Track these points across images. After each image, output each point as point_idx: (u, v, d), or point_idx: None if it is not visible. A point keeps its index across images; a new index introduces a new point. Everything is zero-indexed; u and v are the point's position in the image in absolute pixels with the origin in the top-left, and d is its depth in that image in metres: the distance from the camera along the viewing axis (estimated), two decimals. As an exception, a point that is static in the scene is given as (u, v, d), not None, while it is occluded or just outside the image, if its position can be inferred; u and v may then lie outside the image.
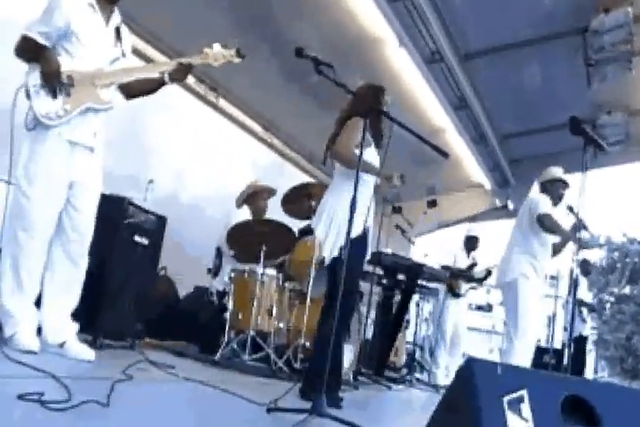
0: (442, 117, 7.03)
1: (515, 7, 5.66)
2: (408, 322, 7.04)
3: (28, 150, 2.59)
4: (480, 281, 6.21)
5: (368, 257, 3.26)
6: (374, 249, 5.10)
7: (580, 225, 3.96)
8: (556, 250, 4.42)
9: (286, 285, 4.59)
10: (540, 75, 6.81)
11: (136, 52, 4.86)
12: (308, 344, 4.03)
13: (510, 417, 1.55)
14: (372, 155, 3.06)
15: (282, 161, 7.75)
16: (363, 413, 3.19)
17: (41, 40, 2.57)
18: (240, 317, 4.15)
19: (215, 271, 4.85)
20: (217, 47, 2.79)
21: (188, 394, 2.56)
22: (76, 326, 2.76)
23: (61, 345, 2.65)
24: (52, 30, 2.58)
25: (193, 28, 5.12)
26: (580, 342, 7.25)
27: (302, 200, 4.57)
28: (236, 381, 3.30)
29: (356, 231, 2.81)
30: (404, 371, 6.40)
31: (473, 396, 1.55)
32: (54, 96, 2.57)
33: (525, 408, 1.57)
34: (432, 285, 6.10)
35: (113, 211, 3.30)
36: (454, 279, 6.08)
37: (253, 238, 4.09)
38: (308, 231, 4.41)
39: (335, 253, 2.95)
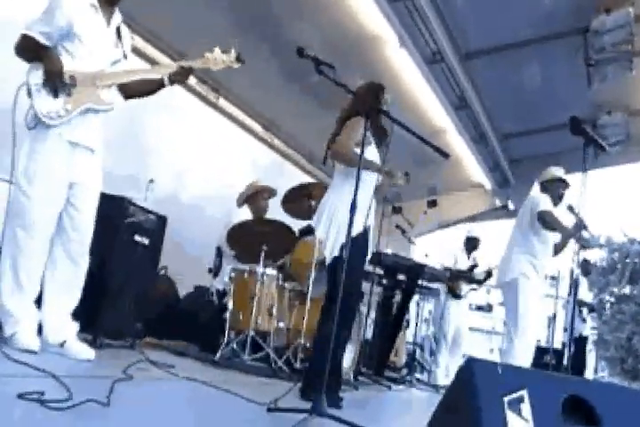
0: (442, 117, 7.02)
1: (515, 7, 5.66)
2: (408, 322, 7.04)
3: (28, 149, 2.59)
4: (480, 282, 6.21)
5: (369, 256, 3.25)
6: (374, 249, 5.09)
7: (580, 225, 3.96)
8: (558, 249, 4.42)
9: (286, 285, 4.59)
10: (540, 75, 6.81)
11: (136, 51, 4.87)
12: (307, 344, 4.03)
13: (510, 417, 1.55)
14: (372, 153, 3.06)
15: (282, 161, 7.75)
16: (363, 413, 3.19)
17: (42, 40, 2.57)
18: (240, 316, 4.15)
19: (215, 271, 4.86)
20: (217, 51, 2.81)
21: (187, 394, 2.56)
22: (76, 326, 2.76)
23: (62, 344, 2.65)
24: (54, 30, 2.58)
25: (193, 27, 5.13)
26: (580, 342, 7.25)
27: (302, 200, 4.57)
28: (236, 380, 3.30)
29: (357, 230, 2.80)
30: (405, 371, 6.40)
31: (473, 396, 1.55)
32: (55, 96, 2.57)
33: (526, 408, 1.57)
34: (432, 285, 6.10)
35: (113, 210, 3.30)
36: (455, 281, 6.08)
37: (254, 238, 4.09)
38: (308, 231, 4.41)
39: (336, 253, 2.95)
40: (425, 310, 7.00)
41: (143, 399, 2.20)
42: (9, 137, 2.55)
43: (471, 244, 6.34)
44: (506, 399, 1.57)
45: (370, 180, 3.01)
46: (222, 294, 4.63)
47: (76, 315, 2.78)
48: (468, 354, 6.29)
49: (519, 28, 6.08)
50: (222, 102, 6.40)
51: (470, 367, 1.61)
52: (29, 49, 2.58)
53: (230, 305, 4.19)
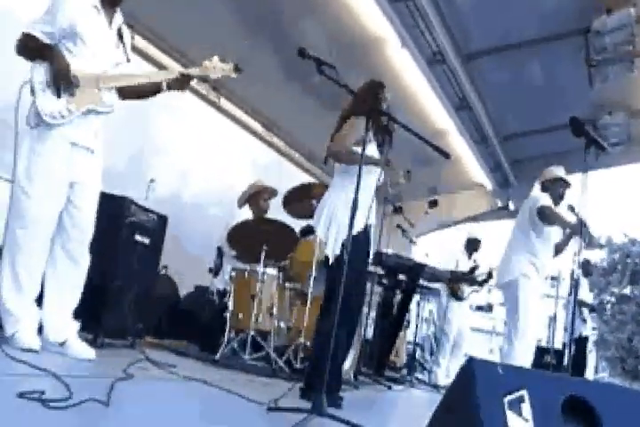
0: (443, 118, 7.03)
1: (516, 8, 5.66)
2: (408, 322, 7.05)
3: (29, 149, 2.59)
4: (482, 284, 6.21)
5: (371, 255, 3.24)
6: (375, 249, 5.10)
7: (581, 225, 3.95)
8: (559, 249, 4.41)
9: (287, 284, 4.59)
10: (541, 75, 6.81)
11: (138, 51, 4.87)
12: (308, 344, 4.03)
13: (511, 417, 1.55)
14: (373, 152, 3.04)
15: (283, 161, 7.76)
16: (363, 413, 3.19)
17: (46, 40, 2.57)
18: (240, 316, 4.15)
19: (216, 271, 4.86)
20: (215, 60, 2.83)
21: (188, 393, 2.56)
22: (77, 325, 2.77)
23: (62, 344, 2.66)
24: (56, 31, 2.58)
25: (196, 27, 5.13)
26: (580, 342, 7.25)
27: (303, 200, 4.57)
28: (237, 380, 3.30)
29: (358, 228, 2.79)
30: (405, 371, 6.41)
31: (473, 396, 1.55)
32: (59, 95, 2.58)
33: (526, 408, 1.57)
34: (433, 285, 6.10)
35: (114, 210, 3.31)
36: (456, 283, 6.08)
37: (254, 238, 4.09)
38: (309, 231, 4.42)
39: (337, 251, 2.94)
40: (425, 310, 7.01)
41: (143, 399, 2.20)
42: (8, 135, 2.55)
43: (472, 245, 6.33)
44: (506, 400, 1.57)
45: (370, 179, 3.00)
46: (223, 294, 4.64)
47: (77, 314, 2.78)
48: (468, 354, 6.30)
49: (520, 29, 6.07)
50: (223, 102, 6.40)
51: (471, 367, 1.61)
52: (33, 48, 2.58)
53: (231, 305, 4.19)
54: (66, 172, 2.64)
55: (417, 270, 5.52)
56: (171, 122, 5.76)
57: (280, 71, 5.92)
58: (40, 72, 2.57)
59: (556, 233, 4.38)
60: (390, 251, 5.62)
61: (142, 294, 3.63)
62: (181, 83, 2.86)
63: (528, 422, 1.56)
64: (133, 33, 4.82)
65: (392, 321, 5.85)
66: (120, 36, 2.83)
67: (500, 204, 9.28)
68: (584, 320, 7.46)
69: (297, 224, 4.58)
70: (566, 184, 4.40)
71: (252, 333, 3.98)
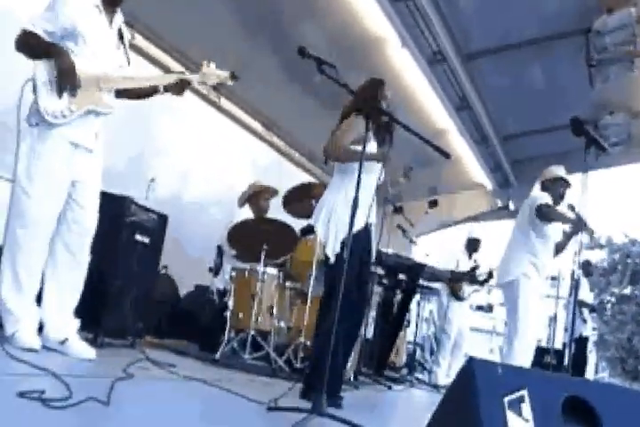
0: (444, 118, 7.03)
1: (517, 7, 5.66)
2: (409, 322, 7.04)
3: (29, 148, 2.59)
4: (482, 283, 6.21)
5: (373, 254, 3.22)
6: (376, 249, 5.09)
7: (581, 224, 3.95)
8: (559, 248, 4.40)
9: (287, 284, 4.59)
10: (542, 75, 6.81)
11: (138, 50, 4.87)
12: (308, 343, 4.03)
13: (511, 417, 1.55)
14: (371, 150, 3.03)
15: (283, 160, 7.76)
16: (363, 412, 3.19)
17: (47, 38, 2.56)
18: (240, 316, 4.16)
19: (216, 270, 4.86)
20: (213, 67, 2.87)
21: (188, 393, 2.56)
22: (77, 323, 2.77)
23: (63, 342, 2.65)
24: (57, 30, 2.58)
25: (196, 27, 5.13)
26: (580, 342, 7.25)
27: (303, 200, 4.58)
28: (237, 380, 3.30)
29: (358, 226, 2.77)
30: (405, 371, 6.40)
31: (473, 396, 1.55)
32: (60, 95, 2.57)
33: (526, 409, 1.57)
34: (433, 285, 6.10)
35: (115, 209, 3.31)
36: (457, 283, 6.08)
37: (254, 237, 4.09)
38: (309, 231, 4.41)
39: (337, 249, 2.94)
40: (425, 309, 7.01)
41: (143, 398, 2.20)
42: (8, 138, 2.55)
43: (472, 245, 6.34)
44: (506, 400, 1.56)
45: (371, 178, 2.99)
46: (223, 294, 4.64)
47: (77, 313, 2.78)
48: (468, 354, 6.30)
49: (521, 29, 6.07)
50: (224, 102, 6.40)
51: (471, 367, 1.61)
52: (34, 46, 2.56)
53: (231, 304, 4.19)
54: (66, 171, 2.64)
55: (417, 270, 5.52)
56: (171, 122, 5.76)
57: (280, 71, 5.92)
58: (43, 70, 2.56)
59: (556, 233, 4.37)
60: (390, 251, 5.62)
61: (142, 294, 3.63)
62: (179, 88, 2.88)
63: (528, 423, 1.56)
64: (133, 32, 4.84)
65: (392, 321, 5.86)
66: (120, 37, 2.83)
67: (500, 204, 9.28)
68: (584, 320, 7.47)
69: (297, 224, 4.58)
70: (567, 184, 4.39)
71: (252, 332, 3.98)
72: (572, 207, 4.21)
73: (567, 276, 5.85)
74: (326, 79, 2.65)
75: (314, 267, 4.14)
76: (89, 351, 2.67)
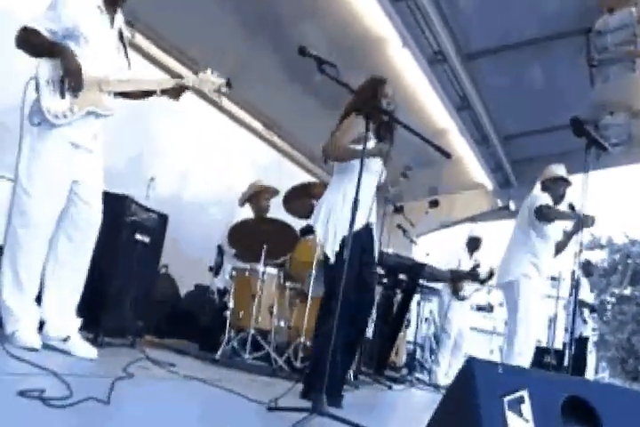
0: (444, 118, 7.02)
1: (517, 7, 5.65)
2: (409, 321, 7.04)
3: (30, 148, 2.58)
4: (483, 282, 6.22)
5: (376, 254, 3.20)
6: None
7: (581, 223, 3.93)
8: (560, 248, 4.40)
9: (287, 283, 4.59)
10: (542, 75, 6.80)
11: (136, 48, 4.87)
12: (308, 343, 4.03)
13: (511, 418, 1.55)
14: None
15: (284, 160, 7.76)
16: (363, 412, 3.19)
17: (50, 37, 2.56)
18: (241, 315, 4.16)
19: (216, 270, 4.86)
20: (209, 73, 2.89)
21: (188, 392, 2.56)
22: (79, 322, 2.77)
23: (65, 340, 2.65)
24: (59, 29, 2.57)
25: (196, 27, 5.13)
26: (580, 342, 7.25)
27: (303, 199, 4.58)
28: (237, 379, 3.31)
29: (358, 225, 2.75)
30: (405, 370, 6.41)
31: (473, 396, 1.55)
32: (63, 95, 2.58)
33: (526, 409, 1.57)
34: (433, 284, 6.10)
35: (115, 209, 3.30)
36: (458, 282, 6.08)
37: (255, 237, 4.09)
38: (309, 230, 4.41)
39: (336, 248, 2.93)
40: (426, 309, 7.00)
41: (143, 398, 2.20)
42: (6, 138, 2.54)
43: (473, 244, 6.35)
44: (506, 400, 1.56)
45: (371, 178, 2.98)
46: (223, 293, 4.64)
47: (78, 313, 2.78)
48: (468, 354, 6.30)
49: (521, 29, 6.07)
50: (225, 102, 6.40)
51: (471, 367, 1.61)
52: (36, 44, 2.55)
53: (231, 304, 4.19)
54: (66, 171, 2.64)
55: (417, 270, 5.52)
56: (171, 121, 5.76)
57: (281, 71, 5.91)
58: (47, 69, 2.56)
59: (556, 232, 4.37)
60: (391, 250, 5.63)
61: (142, 293, 3.63)
62: (176, 93, 2.90)
63: (528, 423, 1.56)
64: (134, 31, 4.84)
65: (392, 321, 5.86)
66: (120, 38, 2.83)
67: (500, 204, 9.28)
68: (585, 321, 7.46)
69: (297, 223, 4.58)
70: (567, 183, 4.39)
71: (252, 332, 3.98)
72: (571, 206, 4.20)
73: (567, 276, 5.85)
74: (327, 79, 2.64)
75: (314, 267, 4.14)
76: (91, 351, 2.67)
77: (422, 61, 5.90)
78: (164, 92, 2.89)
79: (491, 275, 6.02)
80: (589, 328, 7.90)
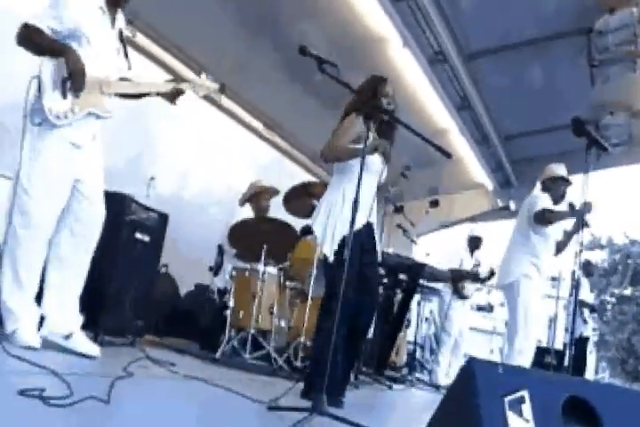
0: (445, 118, 7.02)
1: (518, 7, 5.65)
2: (409, 321, 7.04)
3: (30, 147, 2.58)
4: (484, 281, 6.22)
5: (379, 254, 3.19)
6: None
7: (581, 223, 3.93)
8: (560, 247, 4.39)
9: (287, 283, 4.59)
10: (543, 75, 6.80)
11: (135, 46, 4.87)
12: (308, 343, 4.03)
13: (511, 418, 1.54)
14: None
15: (284, 159, 7.76)
16: (363, 412, 3.19)
17: (54, 37, 2.56)
18: (241, 315, 4.16)
19: (216, 269, 4.86)
20: (203, 78, 2.91)
21: (188, 392, 2.55)
22: (81, 319, 2.76)
23: (67, 337, 2.64)
24: (62, 29, 2.57)
25: (197, 26, 5.13)
26: (581, 343, 7.25)
27: (304, 199, 4.58)
28: (237, 379, 3.31)
29: (358, 225, 2.75)
30: (405, 370, 6.40)
31: (474, 396, 1.55)
32: (65, 96, 2.57)
33: (526, 409, 1.57)
34: (433, 284, 6.10)
35: (115, 208, 3.28)
36: (460, 281, 6.08)
37: (255, 237, 4.09)
38: (309, 230, 4.41)
39: (335, 247, 2.93)
40: (426, 309, 7.01)
41: (143, 397, 2.20)
42: (5, 138, 2.54)
43: (474, 243, 6.35)
44: (506, 400, 1.56)
45: (371, 178, 2.98)
46: (223, 293, 4.64)
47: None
48: (468, 354, 6.30)
49: (522, 29, 6.07)
50: (225, 101, 6.40)
51: (471, 367, 1.61)
52: (38, 42, 2.54)
53: (231, 303, 4.19)
54: (67, 171, 2.64)
55: (417, 270, 5.52)
56: (172, 120, 5.75)
57: (281, 70, 5.91)
58: (50, 69, 2.55)
59: (556, 232, 4.36)
60: (391, 250, 5.62)
61: (142, 293, 3.63)
62: (172, 96, 2.94)
63: (528, 423, 1.56)
64: (134, 30, 4.84)
65: (392, 321, 5.86)
66: (121, 38, 2.83)
67: (501, 204, 9.28)
68: (585, 321, 7.46)
69: (297, 223, 4.58)
70: (567, 183, 4.38)
71: (252, 331, 3.98)
72: (572, 205, 4.19)
73: (568, 276, 5.85)
74: (327, 78, 2.64)
75: (314, 266, 4.14)
76: (93, 348, 2.67)
77: (423, 61, 5.89)
78: (160, 94, 2.91)
79: (491, 274, 6.02)
80: (589, 328, 7.90)
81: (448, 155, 2.69)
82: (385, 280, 5.71)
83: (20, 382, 1.84)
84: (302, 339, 4.09)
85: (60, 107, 2.56)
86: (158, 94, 2.92)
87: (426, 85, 6.30)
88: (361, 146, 2.62)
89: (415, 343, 7.18)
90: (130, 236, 3.46)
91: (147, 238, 3.57)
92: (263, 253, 4.06)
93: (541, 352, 6.49)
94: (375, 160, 3.02)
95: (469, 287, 6.17)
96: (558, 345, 7.15)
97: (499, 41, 6.27)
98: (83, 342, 2.66)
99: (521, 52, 6.37)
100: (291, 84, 6.13)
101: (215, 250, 4.89)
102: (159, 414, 1.93)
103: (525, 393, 1.59)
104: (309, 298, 4.21)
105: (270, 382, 3.44)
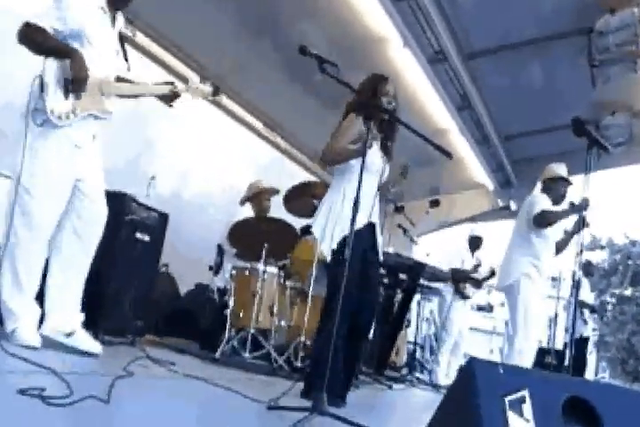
0: (445, 117, 7.01)
1: (519, 7, 5.65)
2: (409, 321, 7.04)
3: (30, 147, 2.58)
4: (484, 280, 6.22)
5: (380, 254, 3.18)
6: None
7: (581, 222, 3.93)
8: (560, 247, 4.39)
9: (287, 283, 4.59)
10: (543, 75, 6.80)
11: (135, 45, 4.86)
12: (308, 342, 4.03)
13: (511, 418, 1.54)
14: (373, 150, 3.00)
15: (284, 159, 7.75)
16: (363, 412, 3.18)
17: (56, 37, 2.55)
18: (241, 314, 4.16)
19: (216, 269, 4.86)
20: (197, 81, 2.99)
21: (188, 391, 2.55)
22: (82, 316, 2.77)
23: (69, 335, 2.64)
24: (64, 29, 2.57)
25: (197, 26, 5.13)
26: (581, 343, 7.25)
27: (304, 198, 4.58)
28: (237, 378, 3.30)
29: (359, 224, 2.73)
30: (405, 370, 6.40)
31: (474, 396, 1.55)
32: (67, 96, 2.58)
33: (527, 409, 1.57)
34: (434, 284, 6.10)
35: (115, 207, 3.27)
36: (462, 281, 6.08)
37: (255, 236, 4.09)
38: (309, 230, 4.41)
39: (333, 246, 2.93)
40: (426, 309, 7.01)
41: (143, 397, 2.20)
42: (6, 133, 2.54)
43: (474, 243, 6.35)
44: (507, 400, 1.56)
45: (372, 178, 2.97)
46: (223, 292, 4.64)
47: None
48: (468, 354, 6.30)
49: (523, 28, 6.06)
50: (225, 101, 6.40)
51: (471, 367, 1.61)
52: (40, 41, 2.54)
53: (231, 303, 4.19)
54: (67, 171, 2.64)
55: (417, 270, 5.52)
56: (172, 120, 5.75)
57: (281, 70, 5.91)
58: (53, 70, 2.55)
59: (556, 232, 4.36)
60: (391, 250, 5.62)
61: (142, 292, 3.63)
62: (169, 99, 2.96)
63: (529, 423, 1.56)
64: (134, 29, 4.83)
65: (393, 320, 5.85)
66: (120, 39, 2.84)
67: (501, 204, 9.27)
68: (585, 321, 7.46)
69: (298, 223, 4.58)
70: (567, 183, 4.37)
71: (252, 331, 3.98)
72: (572, 205, 4.19)
73: (568, 276, 5.85)
74: (327, 78, 2.64)
75: (314, 266, 4.13)
76: (95, 346, 2.67)
77: (423, 61, 5.89)
78: (157, 96, 2.94)
79: (492, 274, 6.02)
80: (590, 329, 7.90)
81: (448, 155, 2.69)
82: (385, 280, 5.70)
83: (20, 381, 1.84)
84: (302, 338, 4.09)
85: (61, 108, 2.56)
86: (155, 96, 2.93)
87: (426, 85, 6.29)
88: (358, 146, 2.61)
89: (415, 343, 7.17)
90: (130, 235, 3.46)
91: (147, 238, 3.57)
92: (263, 253, 4.06)
93: (542, 353, 6.48)
94: (376, 160, 3.02)
95: (470, 287, 6.18)
96: (558, 345, 7.14)
97: (499, 41, 6.26)
98: (85, 340, 2.66)
99: (521, 52, 6.37)
100: (291, 83, 6.12)
101: (215, 249, 4.89)
102: (159, 413, 1.93)
103: (526, 393, 1.59)
104: (310, 297, 4.21)
105: (270, 381, 3.44)
